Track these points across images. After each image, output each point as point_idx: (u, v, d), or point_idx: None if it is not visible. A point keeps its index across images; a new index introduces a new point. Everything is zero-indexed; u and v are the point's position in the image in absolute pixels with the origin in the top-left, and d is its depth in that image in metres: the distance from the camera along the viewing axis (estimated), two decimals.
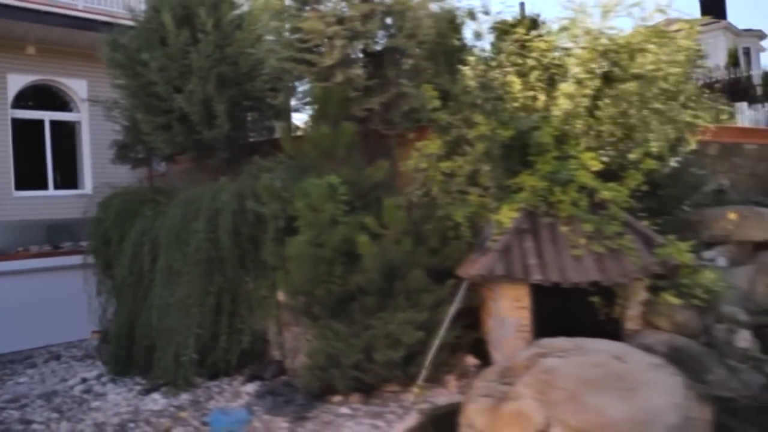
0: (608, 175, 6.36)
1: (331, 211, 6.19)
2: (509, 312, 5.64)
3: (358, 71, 6.76)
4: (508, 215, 5.77)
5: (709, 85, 17.14)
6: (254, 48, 7.08)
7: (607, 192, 5.78)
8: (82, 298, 8.07)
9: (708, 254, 6.84)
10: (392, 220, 6.00)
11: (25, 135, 9.94)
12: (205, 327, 6.83)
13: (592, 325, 5.61)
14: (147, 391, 6.63)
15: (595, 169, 5.90)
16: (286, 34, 6.90)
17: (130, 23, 8.27)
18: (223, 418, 5.53)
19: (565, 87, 6.41)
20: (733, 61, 19.35)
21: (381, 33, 6.94)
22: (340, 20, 6.74)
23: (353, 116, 7.43)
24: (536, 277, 5.35)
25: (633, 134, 6.10)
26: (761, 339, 5.99)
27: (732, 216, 6.68)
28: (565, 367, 4.34)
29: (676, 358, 5.36)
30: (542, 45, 6.26)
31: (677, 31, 6.56)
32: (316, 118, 6.87)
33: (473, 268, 5.65)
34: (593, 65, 6.02)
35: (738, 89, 17.33)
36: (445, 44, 6.78)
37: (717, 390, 5.08)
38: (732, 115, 14.22)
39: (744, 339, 5.78)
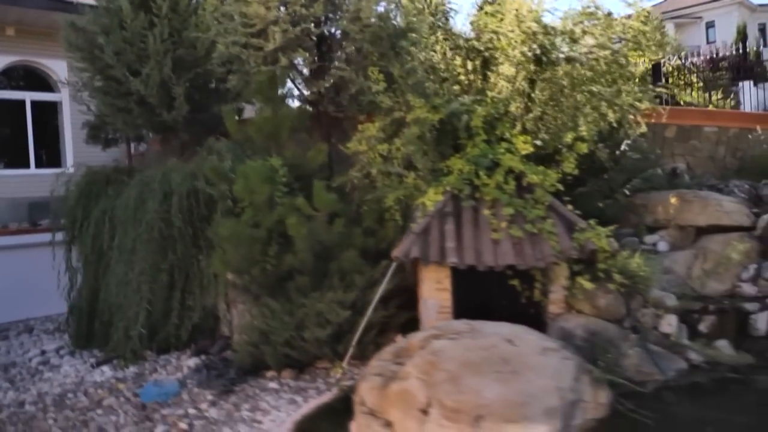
0: (545, 158, 6.41)
1: (267, 193, 6.34)
2: (431, 293, 5.75)
3: (302, 55, 6.85)
4: (432, 198, 5.86)
5: (715, 62, 16.78)
6: (206, 33, 7.18)
7: (534, 176, 5.83)
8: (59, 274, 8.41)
9: (650, 238, 6.86)
10: (321, 202, 6.12)
11: (7, 115, 10.26)
12: (156, 303, 7.08)
13: (517, 308, 5.72)
14: (98, 364, 6.92)
15: (525, 152, 5.94)
16: (235, 17, 6.99)
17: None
18: (154, 390, 5.78)
19: (505, 69, 6.43)
20: (742, 37, 18.80)
21: (326, 16, 6.98)
22: (285, 4, 6.81)
23: (305, 99, 7.56)
24: (451, 259, 5.44)
25: (565, 118, 6.10)
26: (690, 324, 6.03)
27: (672, 200, 6.65)
28: (452, 349, 4.45)
29: (592, 341, 5.45)
30: (480, 26, 6.27)
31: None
32: (262, 101, 6.97)
33: (395, 250, 5.76)
34: (525, 48, 6.01)
35: (744, 67, 16.88)
36: (388, 27, 6.80)
37: (623, 374, 5.15)
38: (730, 95, 13.93)
39: (668, 324, 5.81)
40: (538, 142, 6.14)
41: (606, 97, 6.22)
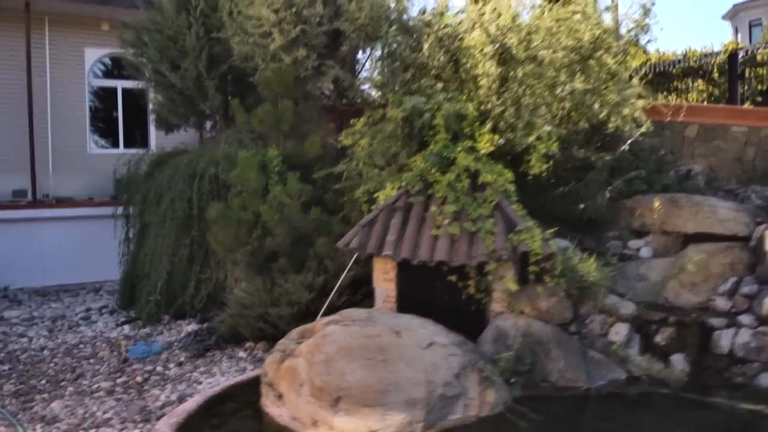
0: (517, 157, 6.41)
1: (257, 180, 6.95)
2: (379, 283, 6.06)
3: (303, 53, 7.33)
4: (388, 193, 6.13)
5: None
6: (224, 32, 7.90)
7: (489, 175, 5.89)
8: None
9: (634, 243, 6.62)
10: (293, 190, 6.61)
11: (106, 100, 11.81)
12: (176, 274, 8.00)
13: (459, 304, 5.84)
14: (123, 323, 7.99)
15: (485, 151, 6.01)
16: (249, 18, 7.61)
17: None
18: (141, 348, 6.65)
19: (484, 67, 6.48)
20: None
21: (325, 17, 7.39)
22: (291, 5, 7.31)
23: (321, 93, 8.07)
24: (386, 252, 5.70)
25: (526, 117, 6.06)
26: (646, 335, 5.80)
27: (656, 204, 6.35)
28: (339, 334, 4.78)
29: (524, 343, 5.48)
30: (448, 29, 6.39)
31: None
32: (270, 96, 7.54)
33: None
34: (489, 48, 6.05)
35: None
36: (380, 28, 7.06)
37: (546, 378, 5.17)
38: None
39: (616, 332, 5.66)
40: (502, 141, 6.15)
41: (577, 96, 6.10)
